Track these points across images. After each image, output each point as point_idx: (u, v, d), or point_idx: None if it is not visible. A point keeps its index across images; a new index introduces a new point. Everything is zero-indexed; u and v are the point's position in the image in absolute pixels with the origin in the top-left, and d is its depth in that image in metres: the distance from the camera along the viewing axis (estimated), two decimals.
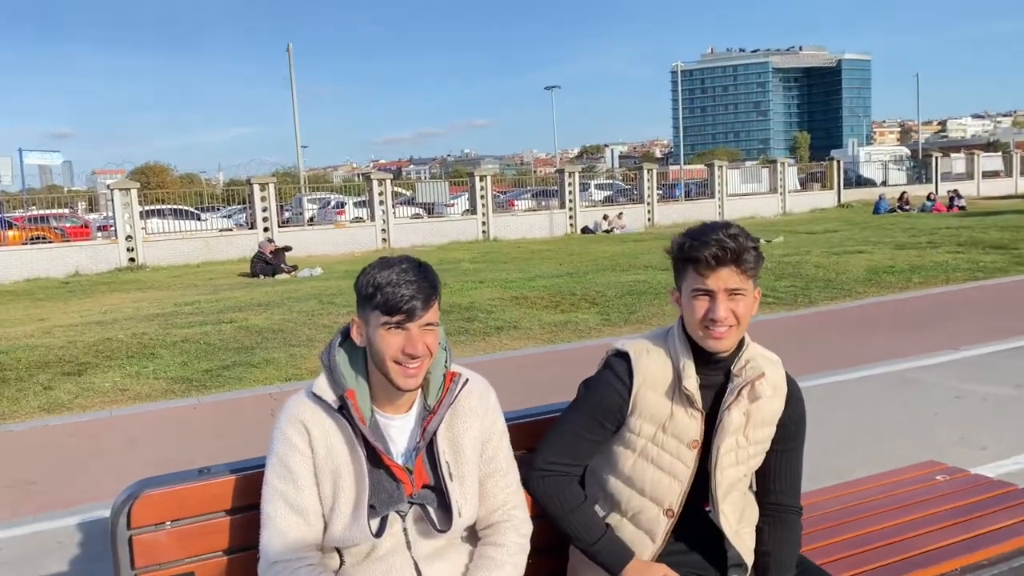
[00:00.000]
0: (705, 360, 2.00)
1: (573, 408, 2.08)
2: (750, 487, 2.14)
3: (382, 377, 1.85)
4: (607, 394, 2.02)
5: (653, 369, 2.01)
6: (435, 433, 1.89)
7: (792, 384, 2.09)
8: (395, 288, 1.78)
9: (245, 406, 6.57)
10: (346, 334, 1.93)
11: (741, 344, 2.02)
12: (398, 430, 1.90)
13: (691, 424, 2.00)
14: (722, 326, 1.91)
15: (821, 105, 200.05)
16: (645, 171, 30.30)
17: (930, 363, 6.70)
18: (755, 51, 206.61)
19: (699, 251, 1.90)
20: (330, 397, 1.84)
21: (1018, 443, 4.66)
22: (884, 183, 38.57)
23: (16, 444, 5.91)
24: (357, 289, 1.85)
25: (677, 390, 2.00)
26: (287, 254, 18.78)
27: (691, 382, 1.99)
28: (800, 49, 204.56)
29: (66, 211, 27.93)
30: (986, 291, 10.58)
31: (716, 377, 2.02)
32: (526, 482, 2.05)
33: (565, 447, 2.05)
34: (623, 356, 2.04)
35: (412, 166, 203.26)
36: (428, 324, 1.82)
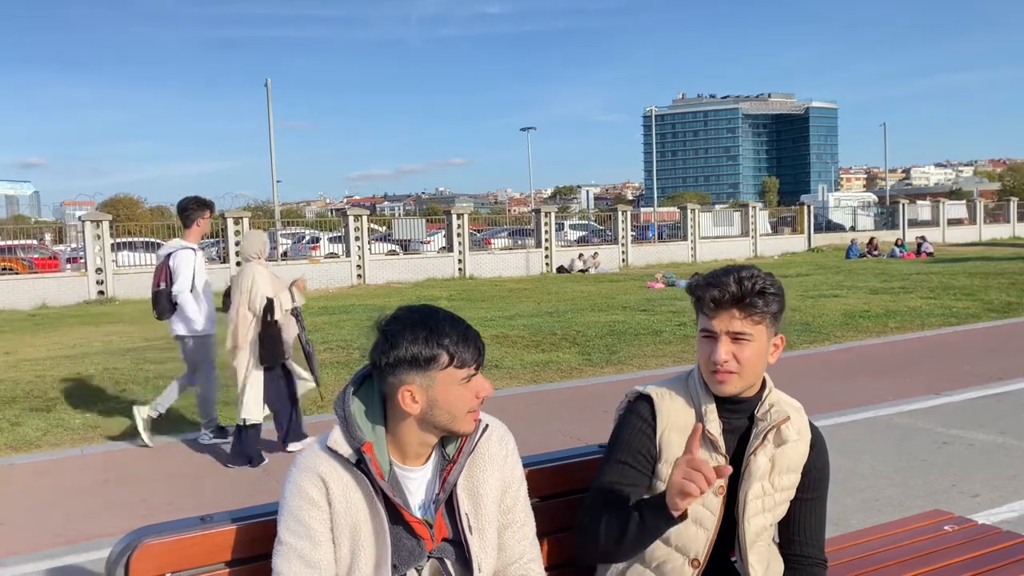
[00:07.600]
0: (727, 404, 1.96)
1: (604, 464, 2.01)
2: (773, 539, 2.08)
3: (401, 427, 1.76)
4: (634, 435, 1.97)
5: (676, 412, 1.97)
6: (455, 484, 1.81)
7: (815, 431, 2.06)
8: (464, 340, 1.72)
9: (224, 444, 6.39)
10: (358, 382, 1.84)
11: (764, 388, 1.99)
12: (416, 482, 1.81)
13: None
14: (723, 369, 1.88)
15: (789, 151, 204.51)
16: (619, 213, 30.57)
17: (913, 408, 6.72)
18: (725, 97, 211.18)
19: (703, 291, 1.90)
20: (346, 451, 1.73)
21: (1009, 490, 4.66)
22: (853, 228, 39.27)
23: None
24: (401, 358, 1.71)
25: (700, 434, 1.94)
26: None
27: (714, 426, 1.95)
28: (769, 96, 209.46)
29: (34, 242, 27.46)
30: (960, 336, 10.71)
31: (739, 421, 1.98)
32: (582, 554, 1.98)
33: (609, 505, 1.94)
34: (645, 398, 2.00)
35: (387, 202, 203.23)
36: None
